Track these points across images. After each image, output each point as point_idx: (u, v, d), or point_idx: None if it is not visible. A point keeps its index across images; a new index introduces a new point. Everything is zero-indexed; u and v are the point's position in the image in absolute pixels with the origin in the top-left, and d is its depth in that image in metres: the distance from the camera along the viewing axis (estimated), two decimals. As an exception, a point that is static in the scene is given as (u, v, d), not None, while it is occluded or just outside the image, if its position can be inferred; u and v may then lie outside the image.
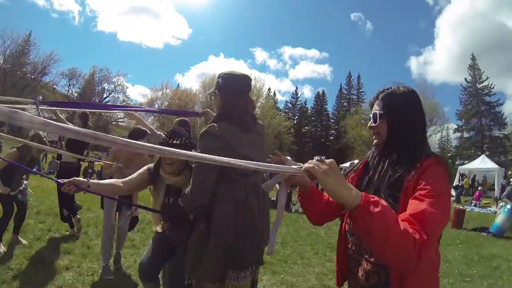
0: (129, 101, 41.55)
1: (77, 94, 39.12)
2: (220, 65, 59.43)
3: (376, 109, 1.17)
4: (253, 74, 59.07)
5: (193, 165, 1.58)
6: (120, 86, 40.60)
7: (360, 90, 47.45)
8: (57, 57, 38.32)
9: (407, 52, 71.22)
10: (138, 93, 78.00)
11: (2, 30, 35.18)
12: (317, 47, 77.32)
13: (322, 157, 0.92)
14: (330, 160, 0.92)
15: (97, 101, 39.93)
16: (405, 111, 1.12)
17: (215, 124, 1.57)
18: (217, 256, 1.49)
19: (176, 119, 3.50)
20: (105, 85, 40.54)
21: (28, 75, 36.66)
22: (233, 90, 1.69)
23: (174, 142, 2.00)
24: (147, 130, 3.38)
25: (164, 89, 42.75)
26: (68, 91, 39.52)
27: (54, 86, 39.04)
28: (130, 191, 2.27)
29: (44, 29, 58.12)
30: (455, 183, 18.30)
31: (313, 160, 0.93)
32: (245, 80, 1.74)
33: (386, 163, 1.13)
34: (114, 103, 40.25)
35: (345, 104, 48.84)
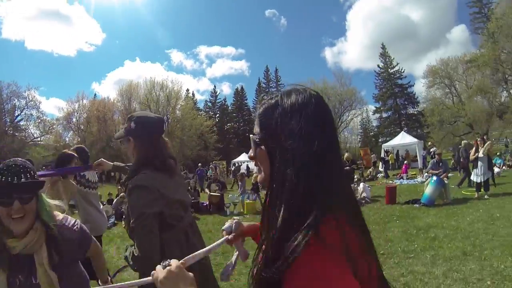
0: (45, 117, 36.66)
1: None
2: (136, 69, 56.74)
3: (255, 131, 0.73)
4: (170, 76, 58.48)
5: (135, 223, 1.47)
6: (32, 102, 35.19)
7: (278, 83, 49.02)
8: None
9: (321, 44, 73.88)
10: (54, 107, 69.40)
11: None
12: (233, 44, 78.14)
13: (166, 262, 0.77)
14: (172, 266, 0.75)
15: (8, 120, 34.52)
16: (280, 133, 0.66)
17: (142, 174, 1.54)
18: None
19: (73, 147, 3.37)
20: (16, 102, 34.85)
21: None
22: (150, 134, 1.64)
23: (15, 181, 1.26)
24: (74, 154, 3.07)
25: (81, 101, 38.86)
26: None
27: None
28: None
29: None
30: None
31: (158, 266, 0.78)
32: (160, 122, 1.72)
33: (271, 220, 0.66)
34: (27, 121, 35.83)
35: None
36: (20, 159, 1.31)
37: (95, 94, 44.65)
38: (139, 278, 1.29)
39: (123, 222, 2.01)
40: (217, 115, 49.73)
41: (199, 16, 75.52)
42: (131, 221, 1.48)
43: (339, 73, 41.63)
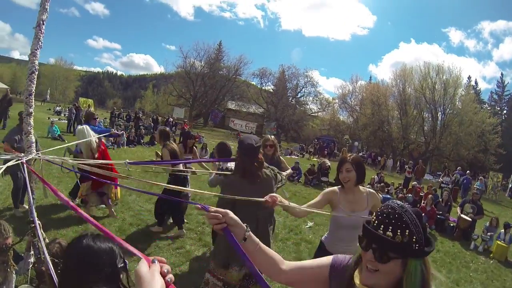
0: (322, 95, 42.52)
1: (271, 89, 43.62)
2: (412, 51, 51.69)
3: None
4: (447, 59, 46.36)
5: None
6: (310, 82, 41.64)
7: None
8: (246, 59, 43.46)
9: None
10: (333, 86, 79.47)
11: (195, 44, 46.41)
12: None
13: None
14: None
15: (291, 96, 42.80)
16: None
17: (231, 175, 2.68)
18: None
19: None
20: (297, 81, 42.43)
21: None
22: (245, 154, 2.52)
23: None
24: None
25: (355, 83, 40.59)
26: (261, 88, 44.06)
27: (250, 83, 45.19)
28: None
29: (233, 37, 69.54)
30: None
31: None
32: (250, 147, 2.49)
33: None
34: (306, 97, 42.87)
35: None
36: (398, 202, 1.01)
37: (370, 77, 46.23)
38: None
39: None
40: (504, 111, 39.02)
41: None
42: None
43: None
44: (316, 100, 42.18)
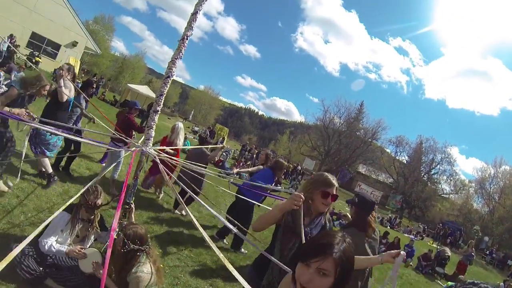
0: (457, 176, 38.76)
1: (405, 160, 42.14)
2: None
3: None
4: None
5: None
6: (447, 158, 38.65)
7: None
8: (385, 124, 42.41)
9: None
10: (472, 167, 69.36)
11: (337, 100, 46.50)
12: None
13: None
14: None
15: (424, 171, 40.13)
16: None
17: (352, 229, 2.59)
18: None
19: None
20: (433, 156, 39.91)
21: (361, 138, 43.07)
22: (365, 209, 2.67)
23: None
24: None
25: (498, 167, 35.33)
26: (395, 157, 42.44)
27: (385, 149, 43.86)
28: None
29: (376, 98, 68.36)
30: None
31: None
32: (372, 204, 2.71)
33: None
34: (440, 175, 39.40)
35: None
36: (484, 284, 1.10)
37: None
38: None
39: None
40: None
41: None
42: None
43: None
44: (451, 180, 38.74)
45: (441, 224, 27.56)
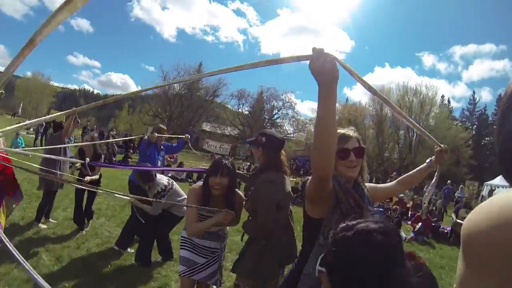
0: (299, 117, 42.87)
1: (247, 111, 43.63)
2: (386, 75, 54.78)
3: None
4: (423, 81, 52.58)
5: (263, 205, 2.14)
6: (288, 103, 42.17)
7: None
8: (226, 81, 43.48)
9: None
10: (308, 108, 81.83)
11: (176, 64, 46.33)
12: (492, 41, 59.31)
13: None
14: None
15: (267, 118, 43.05)
16: None
17: (268, 173, 2.28)
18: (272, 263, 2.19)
19: None
20: (274, 103, 42.96)
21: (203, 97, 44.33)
22: (275, 149, 2.38)
23: None
24: None
25: None
26: (238, 109, 44.12)
27: (226, 105, 45.36)
28: None
29: (213, 59, 70.88)
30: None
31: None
32: (282, 143, 2.44)
33: None
34: (283, 119, 42.95)
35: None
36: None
37: (347, 99, 46.24)
38: (249, 241, 2.29)
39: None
40: (474, 126, 43.89)
41: (450, 12, 63.64)
42: (259, 204, 2.14)
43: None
44: (293, 122, 42.53)
45: (292, 160, 30.04)
